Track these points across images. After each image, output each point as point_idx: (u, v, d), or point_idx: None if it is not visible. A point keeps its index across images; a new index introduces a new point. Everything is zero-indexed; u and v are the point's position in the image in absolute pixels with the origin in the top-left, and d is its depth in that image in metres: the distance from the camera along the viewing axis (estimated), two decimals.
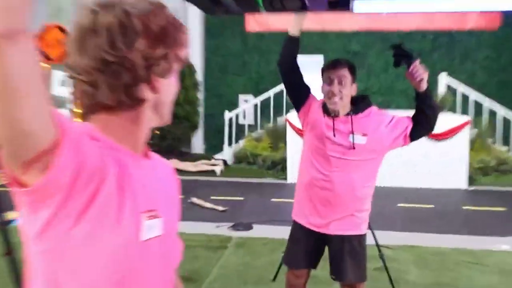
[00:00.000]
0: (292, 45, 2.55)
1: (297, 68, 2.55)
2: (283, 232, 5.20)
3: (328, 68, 2.46)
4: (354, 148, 2.39)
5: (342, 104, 2.43)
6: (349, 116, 2.45)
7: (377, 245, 3.65)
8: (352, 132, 2.41)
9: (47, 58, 5.41)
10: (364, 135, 2.41)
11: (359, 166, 2.44)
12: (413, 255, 4.49)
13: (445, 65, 10.10)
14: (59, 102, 5.40)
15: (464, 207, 6.46)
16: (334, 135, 2.44)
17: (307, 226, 2.57)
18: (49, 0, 5.37)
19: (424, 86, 2.31)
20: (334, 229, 2.51)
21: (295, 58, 2.55)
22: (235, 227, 5.39)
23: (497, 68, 10.11)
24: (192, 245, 4.73)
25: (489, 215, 6.09)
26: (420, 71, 2.27)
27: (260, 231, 5.29)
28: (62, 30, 5.38)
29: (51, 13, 5.36)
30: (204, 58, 10.93)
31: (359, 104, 2.51)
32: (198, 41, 10.64)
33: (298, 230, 2.64)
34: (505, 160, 8.43)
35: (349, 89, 2.43)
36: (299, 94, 2.59)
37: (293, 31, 2.52)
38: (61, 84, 5.28)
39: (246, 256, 4.46)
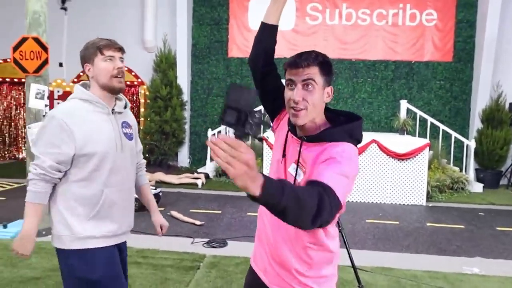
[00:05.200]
0: (267, 36, 1.58)
1: (273, 68, 1.61)
2: None
3: (290, 67, 1.43)
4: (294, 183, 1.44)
5: (308, 117, 1.43)
6: (300, 141, 1.46)
7: (357, 276, 2.82)
8: (298, 162, 1.45)
9: (24, 70, 4.50)
10: (305, 171, 1.43)
11: None
12: (388, 279, 3.68)
13: (405, 93, 9.49)
14: (34, 115, 4.49)
15: (428, 224, 5.71)
16: (284, 155, 1.51)
17: (254, 267, 1.65)
18: (27, 12, 4.45)
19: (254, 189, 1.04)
20: (271, 281, 1.54)
21: (269, 53, 1.59)
22: (209, 244, 4.51)
23: (450, 97, 9.49)
24: (164, 265, 3.85)
25: (451, 232, 5.33)
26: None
27: (234, 247, 4.43)
28: (38, 42, 4.49)
29: (28, 24, 4.46)
30: (190, 81, 10.08)
31: (334, 128, 1.43)
32: (185, 66, 9.81)
33: (250, 275, 1.69)
34: (458, 179, 7.78)
35: (320, 96, 1.43)
36: (273, 101, 1.61)
37: (269, 17, 1.57)
38: (36, 97, 4.35)
39: (218, 279, 3.58)
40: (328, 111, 1.50)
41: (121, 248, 1.98)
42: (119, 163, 1.89)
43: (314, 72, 1.41)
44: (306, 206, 1.09)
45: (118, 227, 1.90)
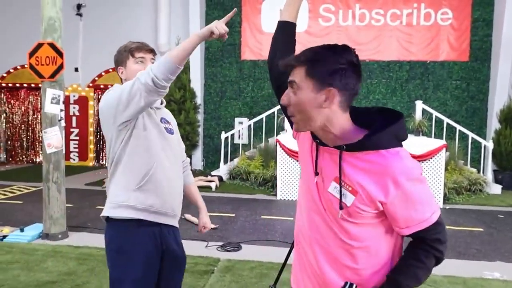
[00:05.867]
0: (282, 34, 1.44)
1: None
2: (270, 254, 4.34)
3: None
4: (341, 207, 1.20)
5: (305, 126, 1.22)
6: (338, 151, 1.20)
7: None
8: (340, 182, 1.20)
9: (39, 75, 4.54)
10: (353, 192, 1.18)
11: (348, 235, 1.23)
12: None
13: (420, 93, 9.34)
14: (50, 119, 4.52)
15: (446, 227, 5.56)
16: (317, 173, 1.27)
17: None
18: (42, 18, 4.49)
19: None
20: None
21: (286, 53, 1.40)
22: (224, 247, 4.48)
23: (466, 97, 9.31)
24: None
25: (470, 236, 5.20)
26: None
27: (248, 251, 4.38)
28: (54, 47, 4.53)
29: (44, 30, 4.49)
30: (203, 84, 10.10)
31: (379, 133, 1.17)
32: (199, 69, 9.84)
33: None
34: (476, 180, 7.61)
35: (308, 99, 1.17)
36: None
37: (285, 15, 1.45)
38: (51, 102, 4.38)
39: (232, 284, 3.54)
40: (354, 110, 1.26)
41: (161, 242, 1.93)
42: (162, 150, 1.90)
43: (298, 72, 1.19)
44: (427, 275, 1.23)
45: (162, 204, 1.89)
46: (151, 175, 1.85)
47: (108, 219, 1.89)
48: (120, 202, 1.84)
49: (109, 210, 1.87)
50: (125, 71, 1.96)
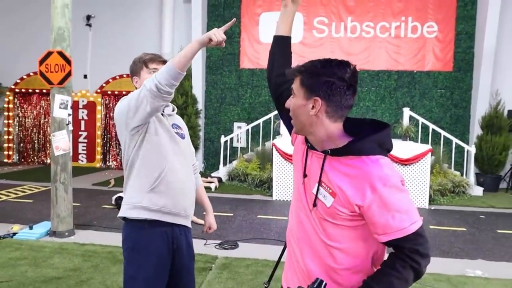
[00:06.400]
0: (278, 48, 1.44)
1: (288, 79, 1.36)
2: (265, 252, 4.30)
3: None
4: (315, 205, 1.22)
5: (297, 127, 1.26)
6: (323, 155, 1.21)
7: None
8: (319, 182, 1.21)
9: (49, 82, 4.50)
10: (332, 194, 1.18)
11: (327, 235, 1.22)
12: None
13: (407, 101, 9.33)
14: (58, 123, 4.48)
15: (431, 227, 5.54)
16: (305, 175, 1.28)
17: None
18: (52, 28, 4.45)
19: None
20: None
21: (282, 65, 1.41)
22: (221, 245, 4.43)
23: (450, 104, 9.30)
24: None
25: (453, 235, 5.16)
26: None
27: (245, 249, 4.34)
28: (62, 55, 4.49)
29: (54, 39, 4.45)
30: (204, 90, 10.06)
31: (361, 140, 1.17)
32: (200, 77, 9.80)
33: None
34: (459, 183, 7.58)
35: (299, 105, 1.21)
36: (288, 113, 1.33)
37: (279, 29, 1.44)
38: (60, 107, 4.33)
39: (229, 280, 3.49)
40: (349, 120, 1.26)
41: (173, 241, 1.91)
42: (173, 153, 1.87)
43: (296, 80, 1.24)
44: (403, 286, 1.14)
45: (174, 205, 1.87)
46: (163, 177, 1.83)
47: (124, 218, 1.89)
48: (134, 203, 1.84)
49: (125, 211, 1.87)
50: (139, 81, 1.95)
